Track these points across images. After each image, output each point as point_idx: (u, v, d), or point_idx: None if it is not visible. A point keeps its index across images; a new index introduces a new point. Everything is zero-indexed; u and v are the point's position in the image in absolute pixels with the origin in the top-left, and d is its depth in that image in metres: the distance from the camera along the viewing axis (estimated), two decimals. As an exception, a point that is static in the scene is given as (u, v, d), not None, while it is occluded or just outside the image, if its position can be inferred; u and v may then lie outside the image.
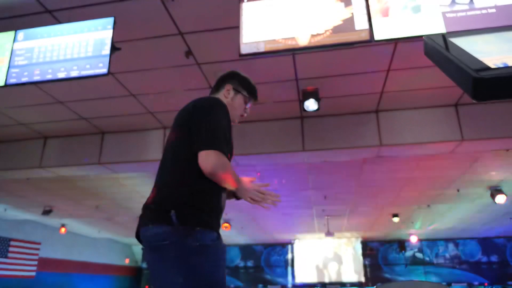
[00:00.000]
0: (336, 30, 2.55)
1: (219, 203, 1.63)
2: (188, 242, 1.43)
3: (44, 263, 12.17)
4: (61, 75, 2.92)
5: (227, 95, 1.89)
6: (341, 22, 2.56)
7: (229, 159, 1.68)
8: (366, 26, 2.51)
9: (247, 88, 1.93)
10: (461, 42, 0.61)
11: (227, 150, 1.62)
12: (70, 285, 13.43)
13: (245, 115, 1.95)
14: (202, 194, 1.55)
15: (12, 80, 3.01)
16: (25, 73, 3.00)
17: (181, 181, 1.56)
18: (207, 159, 1.52)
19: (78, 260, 14.00)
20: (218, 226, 1.59)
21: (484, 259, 14.52)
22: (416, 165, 6.44)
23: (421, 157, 6.04)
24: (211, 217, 1.56)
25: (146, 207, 1.62)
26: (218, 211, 1.63)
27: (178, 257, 1.42)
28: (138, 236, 1.63)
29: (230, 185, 1.61)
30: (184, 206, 1.49)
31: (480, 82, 0.48)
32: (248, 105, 1.94)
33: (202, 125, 1.61)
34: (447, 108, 4.65)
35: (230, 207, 9.68)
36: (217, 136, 1.58)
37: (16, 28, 3.15)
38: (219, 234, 1.55)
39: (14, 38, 3.11)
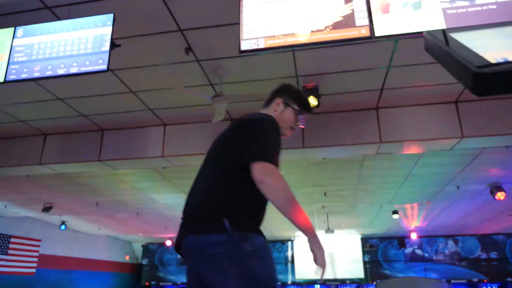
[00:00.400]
0: (336, 26, 2.54)
1: (263, 213, 1.68)
2: (243, 247, 1.48)
3: (45, 260, 12.20)
4: (61, 71, 2.91)
5: (276, 108, 1.90)
6: (341, 19, 2.55)
7: None
8: (367, 23, 2.50)
9: (297, 101, 1.92)
10: (461, 37, 0.61)
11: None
12: (71, 282, 13.46)
13: (296, 127, 1.95)
14: (249, 203, 1.60)
15: (12, 77, 3.00)
16: (25, 70, 2.99)
17: (228, 191, 1.60)
18: (260, 170, 1.54)
19: (78, 257, 14.04)
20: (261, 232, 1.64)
21: (484, 255, 14.55)
22: (416, 162, 6.44)
23: (421, 154, 6.04)
24: (257, 223, 1.63)
25: (191, 216, 1.64)
26: (261, 219, 1.68)
27: (236, 263, 1.47)
28: (178, 246, 1.64)
29: (282, 202, 1.54)
30: (235, 214, 1.54)
31: (480, 77, 0.48)
32: (301, 118, 1.93)
33: (250, 137, 1.64)
34: (447, 105, 4.64)
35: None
36: (267, 148, 1.61)
37: (15, 24, 3.14)
38: (265, 238, 1.60)
39: (14, 34, 3.11)
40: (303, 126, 1.96)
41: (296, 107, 1.91)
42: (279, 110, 1.89)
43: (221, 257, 1.47)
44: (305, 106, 1.95)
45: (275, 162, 1.58)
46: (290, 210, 1.52)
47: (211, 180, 1.67)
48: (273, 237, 15.45)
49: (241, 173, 1.57)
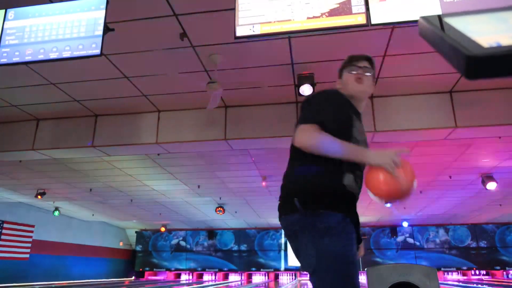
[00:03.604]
0: (332, 13, 2.52)
1: (340, 183, 1.60)
2: (315, 225, 1.52)
3: (38, 246, 12.23)
4: (53, 55, 2.87)
5: (338, 85, 1.94)
6: (337, 6, 2.53)
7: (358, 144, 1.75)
8: (363, 10, 2.49)
9: (344, 65, 1.92)
10: (456, 22, 0.61)
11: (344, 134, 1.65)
12: (65, 268, 13.52)
13: (360, 76, 1.85)
14: (318, 178, 1.59)
15: (3, 60, 2.96)
16: (16, 53, 2.94)
17: (297, 169, 1.67)
18: (295, 136, 1.61)
19: (72, 243, 14.08)
20: (344, 207, 1.60)
21: (474, 244, 14.80)
22: (409, 151, 6.48)
23: (415, 144, 6.09)
24: (335, 199, 1.58)
25: (280, 198, 1.74)
26: (343, 191, 1.61)
27: (309, 241, 1.53)
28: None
29: (339, 152, 1.55)
30: (305, 192, 1.57)
31: (473, 61, 0.49)
32: (356, 70, 1.85)
33: (301, 112, 1.74)
34: (441, 95, 4.66)
35: (224, 191, 9.73)
36: (308, 113, 1.66)
37: (6, 6, 3.08)
38: (345, 215, 1.57)
39: (4, 16, 3.05)
40: (362, 74, 1.86)
41: (344, 70, 1.90)
42: (340, 84, 1.92)
43: (297, 235, 1.58)
44: (350, 61, 1.90)
45: (310, 121, 1.61)
46: (330, 153, 1.56)
47: (288, 164, 1.76)
48: (267, 224, 15.58)
49: (301, 152, 1.61)
